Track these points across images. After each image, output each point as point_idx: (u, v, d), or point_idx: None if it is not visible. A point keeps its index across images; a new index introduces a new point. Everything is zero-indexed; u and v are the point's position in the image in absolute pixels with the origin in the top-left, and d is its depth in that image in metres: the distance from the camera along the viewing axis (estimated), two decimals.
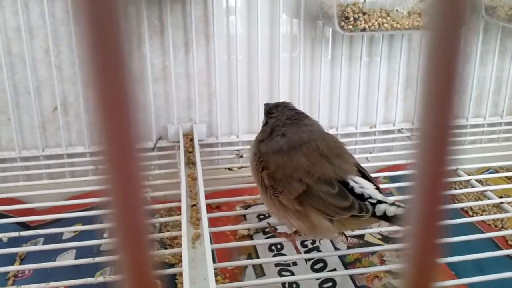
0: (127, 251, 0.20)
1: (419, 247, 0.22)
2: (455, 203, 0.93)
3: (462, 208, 0.95)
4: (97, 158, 0.19)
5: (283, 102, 0.78)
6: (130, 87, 0.18)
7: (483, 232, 0.87)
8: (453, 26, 0.19)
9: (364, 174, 0.68)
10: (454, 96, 0.20)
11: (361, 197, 0.64)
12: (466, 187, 0.97)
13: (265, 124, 0.76)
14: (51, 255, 0.83)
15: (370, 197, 0.64)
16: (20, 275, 0.81)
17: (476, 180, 0.92)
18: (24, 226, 0.92)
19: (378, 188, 0.66)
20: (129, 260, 0.20)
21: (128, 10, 0.18)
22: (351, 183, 0.66)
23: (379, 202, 0.63)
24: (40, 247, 0.82)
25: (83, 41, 0.17)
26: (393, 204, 0.63)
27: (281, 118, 0.74)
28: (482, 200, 0.93)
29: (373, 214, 0.63)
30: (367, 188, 0.65)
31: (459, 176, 0.93)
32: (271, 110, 0.76)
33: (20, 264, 0.83)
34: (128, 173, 0.19)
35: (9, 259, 0.83)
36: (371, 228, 0.78)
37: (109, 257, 0.71)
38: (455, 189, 0.98)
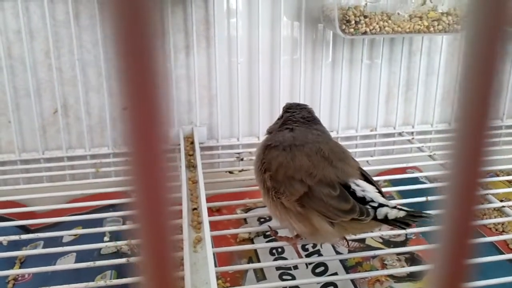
0: (151, 252, 0.20)
1: (452, 247, 0.22)
2: None
3: None
4: (123, 159, 0.18)
5: (305, 105, 0.79)
6: (160, 87, 0.18)
7: (484, 236, 0.87)
8: (495, 26, 0.19)
9: (367, 178, 0.68)
10: (492, 97, 0.20)
11: (363, 200, 0.64)
12: None
13: (280, 118, 0.78)
14: (51, 258, 0.83)
15: (372, 201, 0.64)
16: (20, 278, 0.80)
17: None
18: (24, 229, 0.92)
19: (380, 192, 0.66)
20: (153, 261, 0.20)
21: (158, 8, 0.17)
22: (353, 186, 0.65)
23: (381, 205, 0.63)
24: (40, 250, 0.82)
25: (113, 44, 0.17)
26: (394, 207, 0.62)
27: (296, 116, 0.75)
28: (483, 203, 0.93)
29: (375, 218, 0.63)
30: (369, 191, 0.65)
31: None
32: (291, 106, 0.78)
33: (20, 267, 0.82)
34: (155, 174, 0.19)
35: (9, 263, 0.82)
36: (372, 232, 0.78)
37: (111, 260, 0.71)
38: None
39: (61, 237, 0.88)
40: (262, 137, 0.82)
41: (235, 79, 1.07)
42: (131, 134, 0.18)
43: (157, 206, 0.20)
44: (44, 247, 0.86)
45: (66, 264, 0.79)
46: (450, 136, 0.21)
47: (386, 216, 0.62)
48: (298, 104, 0.79)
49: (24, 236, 0.79)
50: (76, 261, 0.82)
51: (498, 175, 1.08)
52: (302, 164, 0.67)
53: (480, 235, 0.88)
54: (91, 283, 0.67)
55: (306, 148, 0.69)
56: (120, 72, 0.18)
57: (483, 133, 0.20)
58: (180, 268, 0.78)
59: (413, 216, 0.61)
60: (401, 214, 0.61)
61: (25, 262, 0.84)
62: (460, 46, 0.20)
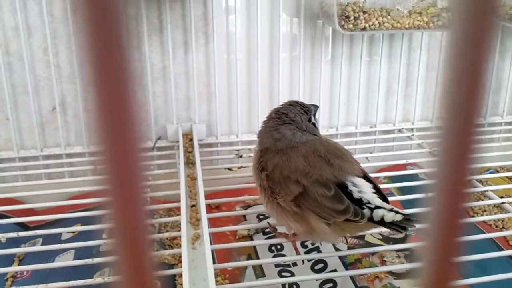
0: (126, 252, 0.20)
1: (439, 245, 0.22)
2: None
3: None
4: (96, 158, 0.18)
5: (305, 103, 0.78)
6: (131, 86, 0.18)
7: (484, 233, 0.87)
8: (481, 21, 0.18)
9: (365, 176, 0.68)
10: (479, 95, 0.19)
11: (360, 202, 0.64)
12: None
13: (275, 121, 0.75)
14: (50, 255, 0.83)
15: (369, 202, 0.64)
16: (18, 275, 0.80)
17: (476, 180, 0.92)
18: (23, 226, 0.91)
19: (379, 191, 0.66)
20: (128, 261, 0.20)
21: (127, 8, 0.17)
22: (350, 187, 0.65)
23: (377, 207, 0.63)
24: (39, 247, 0.82)
25: (82, 40, 0.17)
26: (391, 210, 0.62)
27: (291, 115, 0.74)
28: (482, 200, 0.93)
29: (371, 219, 0.62)
30: (366, 192, 0.65)
31: None
32: (283, 107, 0.76)
33: (18, 264, 0.82)
34: (128, 173, 0.19)
35: (8, 260, 0.82)
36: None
37: (108, 258, 0.70)
38: None
39: (60, 234, 0.88)
40: None
41: (234, 76, 1.07)
42: (102, 133, 0.18)
43: (131, 205, 0.19)
44: (43, 244, 0.86)
45: (65, 261, 0.78)
46: (436, 134, 0.20)
47: (382, 219, 0.62)
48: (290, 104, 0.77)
49: (23, 234, 0.79)
50: (75, 258, 0.81)
51: (498, 172, 1.08)
52: (298, 164, 0.67)
53: (480, 232, 0.88)
54: (89, 280, 0.67)
55: (302, 149, 0.69)
56: (90, 71, 0.17)
57: (470, 131, 0.20)
58: (179, 265, 0.78)
59: (410, 220, 0.61)
60: (398, 217, 0.61)
61: (24, 259, 0.84)
62: (447, 40, 0.19)
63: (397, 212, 0.61)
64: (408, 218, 0.61)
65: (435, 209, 0.21)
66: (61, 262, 0.78)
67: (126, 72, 0.18)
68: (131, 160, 0.19)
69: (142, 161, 0.19)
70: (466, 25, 0.19)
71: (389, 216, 0.61)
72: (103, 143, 0.18)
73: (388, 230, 0.66)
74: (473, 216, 0.94)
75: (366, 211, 0.63)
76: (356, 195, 0.64)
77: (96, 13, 0.17)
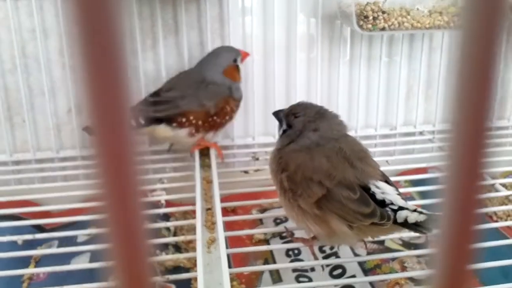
0: (123, 258, 0.19)
1: (451, 252, 0.22)
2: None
3: (486, 213, 0.92)
4: (90, 161, 0.17)
5: (301, 102, 0.76)
6: (124, 84, 0.17)
7: (508, 238, 0.84)
8: (491, 23, 0.18)
9: (386, 180, 0.66)
10: (489, 97, 0.19)
11: (383, 203, 0.62)
12: (490, 191, 0.94)
13: (289, 127, 0.73)
14: (66, 258, 0.82)
15: (392, 203, 0.62)
16: (35, 278, 0.80)
17: (500, 184, 0.90)
18: (39, 228, 0.91)
19: (399, 194, 0.64)
20: (125, 267, 0.19)
21: (123, 7, 0.16)
22: (373, 189, 0.64)
23: (401, 208, 0.61)
24: (54, 250, 0.81)
25: (73, 39, 0.16)
26: (414, 210, 0.61)
27: (310, 114, 0.72)
28: (506, 204, 0.90)
29: (394, 221, 0.61)
30: (389, 193, 0.63)
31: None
32: (294, 111, 0.73)
33: (35, 267, 0.82)
34: (124, 177, 0.18)
35: (24, 262, 0.82)
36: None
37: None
38: None
39: (76, 236, 0.88)
40: (278, 136, 0.80)
41: (250, 78, 1.06)
42: (96, 135, 0.17)
43: (128, 210, 0.19)
44: (58, 246, 0.86)
45: (81, 264, 0.78)
46: (447, 137, 0.20)
47: (406, 220, 0.60)
48: (298, 104, 0.75)
49: (39, 236, 0.79)
50: (91, 261, 0.81)
51: None
52: (321, 165, 0.65)
53: (504, 237, 0.85)
54: (105, 283, 0.66)
55: (325, 148, 0.68)
56: (80, 69, 0.16)
57: (480, 134, 0.20)
58: (194, 268, 0.77)
59: (434, 220, 0.59)
60: (422, 218, 0.60)
61: (40, 261, 0.84)
62: (456, 41, 0.19)
63: (420, 213, 0.60)
64: (432, 218, 0.59)
65: (447, 212, 0.21)
66: (77, 265, 0.77)
67: (120, 70, 0.17)
68: (127, 163, 0.18)
69: (139, 164, 0.18)
70: (474, 25, 0.18)
71: (413, 217, 0.60)
72: (97, 146, 0.17)
73: (411, 232, 0.64)
74: (496, 221, 0.91)
75: (390, 213, 0.61)
76: (379, 196, 0.63)
77: (87, 10, 0.16)
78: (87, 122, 0.18)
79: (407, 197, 0.67)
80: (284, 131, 0.74)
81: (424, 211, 0.61)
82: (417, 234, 0.79)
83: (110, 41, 0.16)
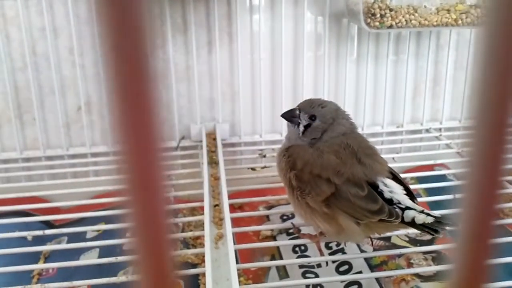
0: (147, 251, 0.20)
1: (471, 249, 0.22)
2: None
3: None
4: (117, 157, 0.18)
5: (310, 98, 0.75)
6: (153, 85, 0.17)
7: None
8: None
9: (395, 176, 0.66)
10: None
11: (390, 202, 0.63)
12: None
13: (312, 121, 0.71)
14: (75, 254, 0.83)
15: (399, 203, 0.62)
16: (44, 273, 0.81)
17: (507, 181, 0.89)
18: (49, 224, 0.93)
19: (409, 191, 0.65)
20: (149, 261, 0.20)
21: (151, 8, 0.17)
22: (381, 186, 0.64)
23: (408, 208, 0.62)
24: (64, 245, 0.83)
25: (104, 40, 0.17)
26: (422, 212, 0.61)
27: (331, 105, 0.73)
28: (503, 203, 0.90)
29: (402, 220, 0.61)
30: (397, 193, 0.64)
31: None
32: (316, 103, 0.72)
33: (44, 262, 0.83)
34: (149, 172, 0.19)
35: (34, 258, 0.83)
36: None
37: (129, 257, 0.70)
38: None
39: (85, 232, 0.89)
40: (285, 133, 0.80)
41: (257, 76, 1.06)
42: (125, 134, 0.18)
43: (152, 205, 0.19)
44: (68, 242, 0.87)
45: (90, 259, 0.79)
46: (468, 134, 0.20)
47: (413, 220, 0.61)
48: (310, 105, 0.73)
49: (49, 232, 0.80)
50: (99, 257, 0.82)
51: None
52: (329, 161, 0.66)
53: (511, 234, 0.85)
54: (113, 278, 0.67)
55: (334, 144, 0.68)
56: (112, 72, 0.17)
57: (502, 131, 0.19)
58: (202, 264, 0.78)
59: (441, 223, 0.59)
60: (429, 220, 0.60)
61: (49, 257, 0.85)
62: (479, 40, 0.19)
63: (428, 215, 0.60)
64: (439, 221, 0.59)
65: (467, 211, 0.21)
66: (86, 260, 0.78)
67: (148, 70, 0.17)
68: (152, 159, 0.18)
69: (164, 160, 0.18)
70: (499, 23, 0.18)
71: (420, 218, 0.60)
72: (125, 143, 0.18)
73: (418, 231, 0.64)
74: (503, 218, 0.91)
75: (398, 211, 0.61)
76: (387, 194, 0.63)
77: (118, 12, 0.16)
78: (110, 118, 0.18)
79: (414, 194, 0.67)
80: (307, 126, 0.71)
81: (431, 213, 0.61)
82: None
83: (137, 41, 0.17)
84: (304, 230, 0.77)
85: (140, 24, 0.17)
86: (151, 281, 0.20)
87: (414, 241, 0.86)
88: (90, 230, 0.85)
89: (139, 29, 0.17)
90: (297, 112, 0.73)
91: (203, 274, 0.70)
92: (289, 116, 0.73)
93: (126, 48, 0.17)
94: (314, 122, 0.71)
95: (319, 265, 0.81)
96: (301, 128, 0.72)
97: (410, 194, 0.65)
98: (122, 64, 0.17)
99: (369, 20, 0.95)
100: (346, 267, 0.80)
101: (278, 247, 0.86)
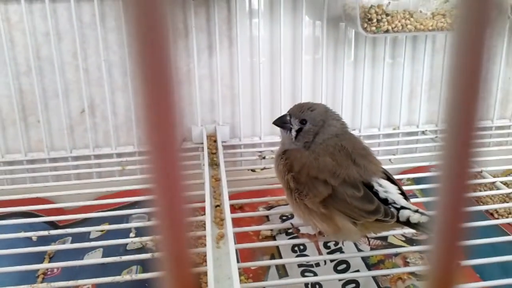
0: (170, 248, 0.21)
1: (442, 248, 0.23)
2: (480, 205, 0.92)
3: (487, 211, 0.94)
4: (144, 157, 0.19)
5: (299, 103, 0.76)
6: (176, 89, 0.19)
7: (509, 235, 0.86)
8: (480, 26, 0.19)
9: (389, 177, 0.68)
10: (478, 98, 0.20)
11: (385, 202, 0.64)
12: (491, 189, 0.96)
13: (303, 125, 0.73)
14: (79, 253, 0.85)
15: (394, 202, 0.64)
16: (49, 273, 0.82)
17: (501, 182, 0.91)
18: (53, 225, 0.94)
19: (402, 192, 0.66)
20: (172, 256, 0.21)
21: (172, 10, 0.18)
22: (376, 187, 0.65)
23: (403, 208, 0.63)
24: (68, 245, 0.84)
25: (133, 47, 0.18)
26: (416, 211, 0.62)
27: (320, 107, 0.74)
28: (507, 202, 0.92)
29: (397, 220, 0.63)
30: (392, 193, 0.65)
31: (484, 178, 0.92)
32: (305, 107, 0.73)
33: (49, 262, 0.85)
34: (172, 173, 0.20)
35: (39, 257, 0.85)
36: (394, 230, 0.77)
37: (136, 255, 0.72)
38: (480, 191, 0.96)
39: (89, 233, 0.90)
40: None
41: (257, 79, 1.08)
42: (148, 134, 0.19)
43: (174, 204, 0.20)
44: (72, 242, 0.88)
45: (94, 259, 0.81)
46: (439, 137, 0.20)
47: (408, 219, 0.62)
48: (299, 109, 0.74)
49: (53, 232, 0.81)
50: (103, 256, 0.84)
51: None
52: (326, 163, 0.67)
53: (505, 234, 0.87)
54: (117, 277, 0.69)
55: (329, 146, 0.69)
56: (137, 73, 0.18)
57: (470, 134, 0.20)
58: (203, 263, 0.80)
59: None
60: (424, 219, 0.61)
61: (54, 257, 0.86)
62: (447, 45, 0.20)
63: (422, 214, 0.62)
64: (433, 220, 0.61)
65: (438, 213, 0.22)
66: (89, 260, 0.80)
67: (172, 74, 0.19)
68: (174, 160, 0.20)
69: (184, 161, 0.20)
70: (466, 26, 0.19)
71: (415, 217, 0.62)
72: (150, 144, 0.19)
73: (414, 231, 0.66)
74: (497, 218, 0.93)
75: (393, 210, 0.63)
76: (382, 194, 0.65)
77: (144, 14, 0.18)
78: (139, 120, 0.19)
79: (409, 195, 0.69)
80: (299, 131, 0.72)
81: (426, 212, 0.62)
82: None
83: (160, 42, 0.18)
84: (303, 230, 0.78)
85: (164, 25, 0.18)
86: (175, 276, 0.21)
87: (410, 241, 0.88)
88: (94, 230, 0.87)
89: (163, 32, 0.18)
90: (288, 117, 0.74)
91: (205, 273, 0.71)
92: (280, 122, 0.75)
93: (152, 51, 0.18)
94: (305, 125, 0.72)
95: (317, 264, 0.83)
96: (293, 133, 0.73)
97: (403, 194, 0.66)
98: (148, 65, 0.18)
99: (365, 25, 0.96)
100: (344, 266, 0.82)
101: (277, 247, 0.87)
